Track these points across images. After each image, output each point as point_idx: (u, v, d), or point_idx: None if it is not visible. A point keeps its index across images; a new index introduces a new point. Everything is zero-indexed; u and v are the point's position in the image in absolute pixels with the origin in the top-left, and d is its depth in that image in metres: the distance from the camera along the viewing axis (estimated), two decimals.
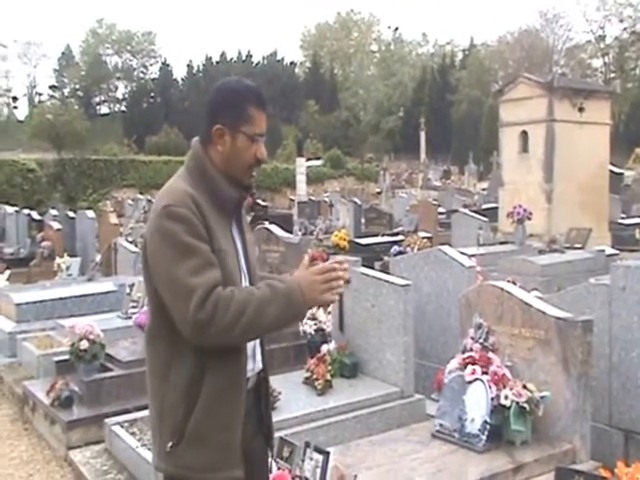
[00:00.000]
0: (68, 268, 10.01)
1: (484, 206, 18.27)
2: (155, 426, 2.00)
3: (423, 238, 10.08)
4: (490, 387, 3.44)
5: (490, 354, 3.64)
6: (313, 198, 23.27)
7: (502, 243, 9.96)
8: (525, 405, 3.34)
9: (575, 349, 3.35)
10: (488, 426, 3.38)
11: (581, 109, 11.88)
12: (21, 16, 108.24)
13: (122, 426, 4.38)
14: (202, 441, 1.92)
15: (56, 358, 5.49)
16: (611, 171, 13.41)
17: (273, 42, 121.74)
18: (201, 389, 1.91)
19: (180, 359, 1.93)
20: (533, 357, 3.56)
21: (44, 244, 11.49)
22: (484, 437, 3.38)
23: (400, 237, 11.25)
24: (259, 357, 2.11)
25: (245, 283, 2.03)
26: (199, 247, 1.88)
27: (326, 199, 22.57)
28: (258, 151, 2.04)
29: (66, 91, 69.41)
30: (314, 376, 4.51)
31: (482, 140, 44.26)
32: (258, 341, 2.10)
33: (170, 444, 1.92)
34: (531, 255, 8.44)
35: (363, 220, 15.48)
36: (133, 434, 4.24)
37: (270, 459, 2.28)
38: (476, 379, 3.51)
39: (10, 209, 15.70)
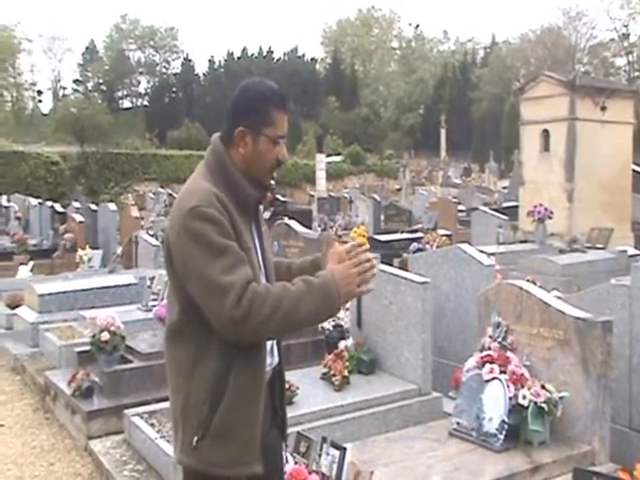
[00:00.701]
0: (90, 260, 10.13)
1: (504, 204, 18.14)
2: (178, 421, 2.01)
3: (442, 236, 10.05)
4: (508, 386, 3.43)
5: (508, 353, 3.63)
6: (333, 194, 23.26)
7: (522, 242, 9.89)
8: (543, 405, 3.33)
9: (595, 350, 3.33)
10: (506, 426, 3.37)
11: (603, 108, 11.76)
12: (46, 11, 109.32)
13: (141, 417, 4.44)
14: (226, 437, 1.94)
15: (77, 349, 5.57)
16: (634, 171, 13.24)
17: (294, 38, 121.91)
18: (227, 386, 1.93)
19: (206, 356, 1.94)
20: (552, 357, 3.55)
21: (67, 236, 11.63)
22: (502, 436, 3.38)
23: (419, 234, 11.22)
24: (275, 351, 2.13)
25: (262, 279, 2.04)
26: (230, 246, 1.91)
27: (346, 195, 22.56)
28: (280, 153, 2.06)
29: (90, 85, 70.01)
30: (332, 372, 4.54)
31: (503, 138, 43.91)
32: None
33: (195, 439, 1.94)
34: (552, 254, 8.38)
35: (382, 217, 15.44)
36: (152, 425, 4.29)
37: (284, 452, 2.30)
38: (494, 378, 3.51)
39: (34, 201, 15.91)
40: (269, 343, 2.07)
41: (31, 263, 10.24)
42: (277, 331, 1.92)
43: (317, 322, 2.00)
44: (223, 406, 1.93)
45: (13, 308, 7.73)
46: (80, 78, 70.44)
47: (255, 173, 2.07)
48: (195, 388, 1.95)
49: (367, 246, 2.02)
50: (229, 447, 1.94)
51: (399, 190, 28.57)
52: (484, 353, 3.70)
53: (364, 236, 10.30)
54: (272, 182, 2.14)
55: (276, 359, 2.14)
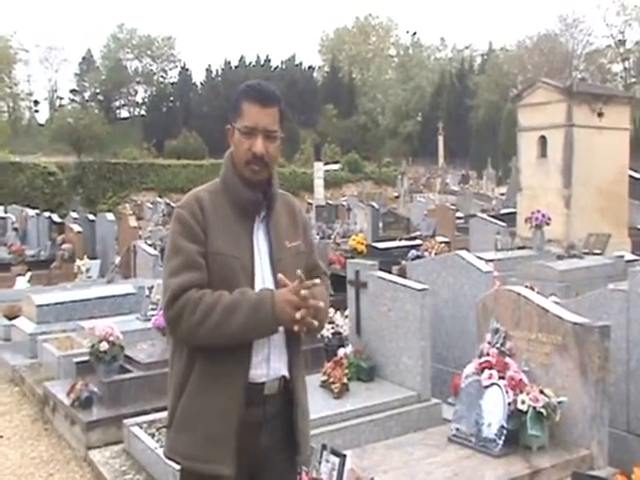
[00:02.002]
0: (88, 270, 10.14)
1: (502, 211, 18.16)
2: None
3: (441, 243, 10.07)
4: (507, 392, 3.44)
5: (507, 359, 3.64)
6: (331, 202, 23.30)
7: (520, 248, 9.89)
8: (542, 410, 3.34)
9: (592, 355, 3.34)
10: (505, 431, 3.38)
11: (600, 114, 11.77)
12: (43, 21, 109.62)
13: (141, 427, 4.44)
14: (187, 429, 2.01)
15: (76, 359, 5.57)
16: (631, 176, 13.25)
17: (292, 47, 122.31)
18: (189, 380, 2.00)
19: (180, 349, 2.05)
20: (550, 362, 3.55)
21: (64, 246, 11.63)
22: (501, 442, 3.38)
23: (418, 241, 11.24)
24: (277, 364, 2.07)
25: (259, 284, 2.03)
26: (185, 248, 1.98)
27: (344, 203, 22.59)
28: (253, 145, 2.04)
29: (87, 95, 70.14)
30: (331, 379, 4.54)
31: (501, 145, 44.04)
32: (276, 346, 2.06)
33: (166, 429, 2.08)
34: (549, 260, 8.38)
35: (381, 224, 15.47)
36: (152, 435, 4.29)
37: (300, 469, 2.28)
38: (493, 384, 3.52)
39: (31, 212, 15.91)
40: (262, 351, 2.02)
41: (29, 274, 10.23)
42: (208, 337, 1.93)
43: (250, 335, 1.96)
44: (184, 397, 2.01)
45: (11, 319, 7.71)
46: (77, 88, 70.65)
47: (238, 169, 2.08)
48: (171, 379, 2.08)
49: (318, 287, 1.96)
50: (190, 440, 2.01)
51: (397, 198, 28.62)
52: (483, 359, 3.70)
53: (362, 244, 10.36)
54: (258, 180, 2.06)
55: (277, 371, 2.07)
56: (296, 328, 1.94)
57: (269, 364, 2.05)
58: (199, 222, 2.00)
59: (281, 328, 2.02)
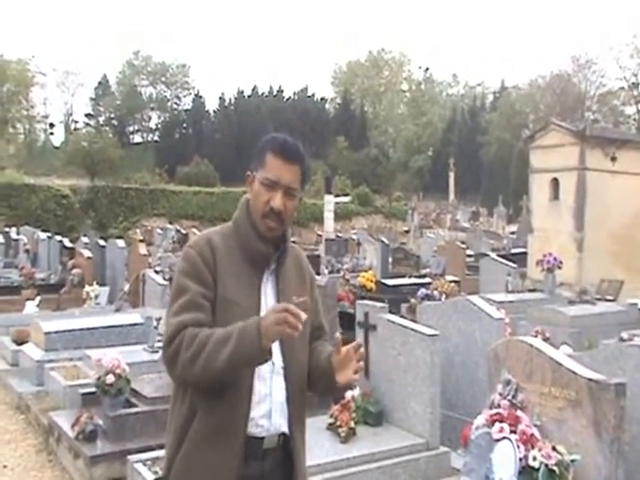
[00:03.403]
0: (97, 297, 10.14)
1: (513, 250, 18.12)
2: None
3: (450, 282, 10.03)
4: (518, 446, 3.38)
5: (519, 412, 3.58)
6: (341, 235, 23.32)
7: (531, 291, 9.85)
8: (554, 468, 3.27)
9: (607, 413, 3.29)
10: None
11: (614, 158, 11.82)
12: (61, 46, 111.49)
13: (144, 464, 4.38)
14: None
15: (82, 390, 5.54)
16: None
17: (304, 78, 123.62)
18: (188, 433, 1.97)
19: (181, 399, 2.02)
20: (563, 418, 3.50)
21: (74, 271, 11.65)
22: None
23: (427, 279, 11.20)
24: (279, 420, 2.03)
25: None
26: (189, 288, 1.97)
27: (354, 237, 22.60)
28: (272, 199, 2.02)
29: (101, 119, 70.94)
30: (338, 423, 4.49)
31: (512, 183, 44.08)
32: (278, 402, 2.04)
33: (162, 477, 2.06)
34: (561, 305, 8.33)
35: (390, 260, 15.44)
36: (155, 473, 4.23)
37: None
38: (504, 437, 3.46)
39: (43, 235, 15.99)
40: (265, 406, 2.00)
41: (38, 298, 10.24)
42: (201, 373, 1.88)
43: (240, 364, 1.87)
44: (184, 450, 1.97)
45: (19, 344, 7.71)
46: (92, 112, 71.48)
47: (254, 219, 2.07)
48: (170, 428, 2.04)
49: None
50: None
51: (407, 232, 28.63)
52: (494, 411, 3.65)
53: (372, 281, 10.34)
54: (271, 235, 2.04)
55: (279, 427, 2.04)
56: (288, 330, 1.80)
57: (271, 420, 2.02)
58: (208, 264, 1.99)
59: (284, 384, 2.02)
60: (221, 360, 1.85)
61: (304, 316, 1.83)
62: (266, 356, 1.89)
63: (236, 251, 2.05)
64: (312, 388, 2.18)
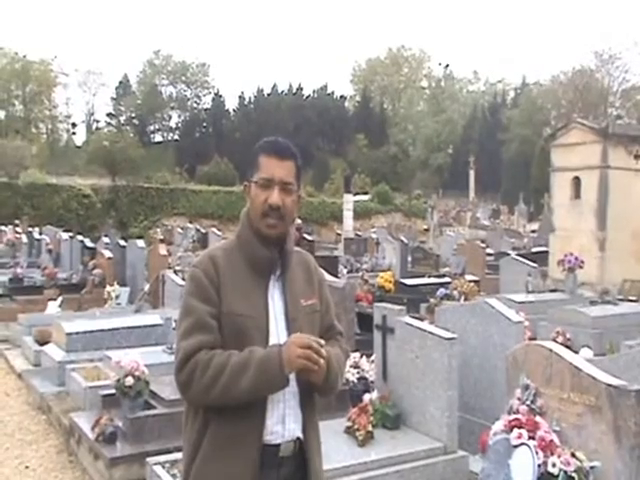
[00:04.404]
0: (117, 297, 10.23)
1: (534, 249, 17.96)
2: None
3: (470, 282, 9.97)
4: (537, 453, 3.35)
5: (538, 418, 3.54)
6: (360, 233, 23.28)
7: (552, 291, 9.76)
8: (574, 474, 3.23)
9: (628, 419, 3.24)
10: None
11: (637, 156, 11.66)
12: (82, 46, 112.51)
13: (163, 467, 4.40)
14: None
15: (102, 391, 5.58)
16: None
17: (324, 76, 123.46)
18: (203, 441, 1.98)
19: (194, 410, 2.04)
20: (583, 423, 3.45)
21: (95, 272, 11.76)
22: None
23: (447, 279, 11.14)
24: (293, 425, 2.05)
25: (274, 342, 2.02)
26: (196, 309, 1.98)
27: (373, 236, 22.56)
28: (269, 197, 2.04)
29: (122, 119, 71.45)
30: (355, 426, 4.48)
31: (533, 180, 43.70)
32: (291, 407, 2.05)
33: None
34: (582, 305, 8.25)
35: (410, 259, 15.39)
36: (174, 476, 4.26)
37: None
38: (522, 444, 3.43)
39: (65, 235, 16.16)
40: (278, 412, 2.02)
41: (60, 298, 10.35)
42: (220, 398, 1.92)
43: (262, 393, 1.95)
44: (198, 461, 1.99)
45: (42, 344, 7.81)
46: (113, 112, 71.98)
47: (254, 223, 2.08)
48: (184, 440, 2.07)
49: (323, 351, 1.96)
50: None
51: (427, 230, 28.51)
52: (512, 417, 3.61)
53: (390, 282, 10.31)
54: (273, 235, 2.06)
55: (293, 432, 2.05)
56: (310, 376, 1.95)
57: (284, 425, 2.04)
58: (213, 282, 2.01)
59: (296, 389, 2.04)
60: (241, 388, 1.89)
61: (324, 353, 1.94)
62: (287, 384, 1.95)
63: (240, 263, 2.06)
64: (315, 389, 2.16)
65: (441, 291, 9.50)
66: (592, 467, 3.29)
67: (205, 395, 1.91)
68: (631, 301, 8.82)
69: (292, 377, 2.03)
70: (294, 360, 1.90)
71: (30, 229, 20.18)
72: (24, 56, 60.99)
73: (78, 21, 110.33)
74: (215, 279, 2.01)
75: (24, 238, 17.99)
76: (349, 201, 22.89)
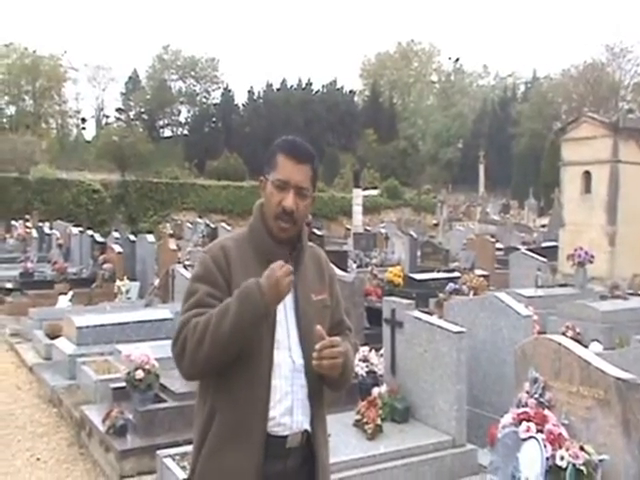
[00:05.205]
0: (127, 291, 10.30)
1: (543, 244, 17.88)
2: None
3: (480, 276, 9.95)
4: (545, 446, 3.35)
5: (546, 411, 3.55)
6: (369, 228, 23.27)
7: (562, 285, 9.73)
8: (582, 468, 3.24)
9: (636, 412, 3.24)
10: None
11: None
12: (92, 42, 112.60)
13: (173, 459, 4.43)
14: None
15: (113, 385, 5.63)
16: None
17: (333, 70, 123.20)
18: (209, 431, 2.00)
19: (202, 401, 2.06)
20: (592, 417, 3.45)
21: (105, 266, 11.83)
22: None
23: (456, 274, 11.13)
24: (301, 417, 2.06)
25: (281, 337, 2.03)
26: (198, 289, 2.01)
27: (382, 231, 22.55)
28: (284, 199, 2.04)
29: (132, 114, 71.53)
30: (364, 419, 4.50)
31: (543, 175, 43.47)
32: (299, 399, 2.06)
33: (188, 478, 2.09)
34: (592, 300, 8.23)
35: (419, 254, 15.37)
36: (184, 468, 4.28)
37: None
38: (531, 437, 3.43)
39: (75, 230, 16.25)
40: (287, 405, 2.02)
41: (70, 293, 10.42)
42: (211, 353, 1.91)
43: (247, 328, 1.91)
44: (204, 452, 2.00)
45: (52, 338, 7.87)
46: (122, 107, 72.05)
47: (267, 222, 2.09)
48: (194, 430, 2.09)
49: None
50: None
51: (436, 225, 28.46)
52: (520, 410, 3.62)
53: (399, 276, 10.30)
54: (286, 237, 2.08)
55: (300, 424, 2.06)
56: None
57: (292, 417, 2.04)
58: (221, 269, 2.02)
59: (304, 381, 2.04)
60: (226, 328, 1.89)
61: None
62: (269, 311, 1.95)
63: (250, 255, 2.07)
64: (326, 383, 2.16)
65: (450, 286, 9.49)
66: (601, 460, 3.29)
67: (197, 354, 1.90)
68: None
69: (300, 369, 2.05)
70: (277, 293, 1.91)
71: (40, 224, 20.29)
72: (34, 51, 61.12)
73: (87, 16, 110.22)
74: (224, 267, 2.02)
75: (34, 233, 18.11)
76: (358, 196, 22.88)
